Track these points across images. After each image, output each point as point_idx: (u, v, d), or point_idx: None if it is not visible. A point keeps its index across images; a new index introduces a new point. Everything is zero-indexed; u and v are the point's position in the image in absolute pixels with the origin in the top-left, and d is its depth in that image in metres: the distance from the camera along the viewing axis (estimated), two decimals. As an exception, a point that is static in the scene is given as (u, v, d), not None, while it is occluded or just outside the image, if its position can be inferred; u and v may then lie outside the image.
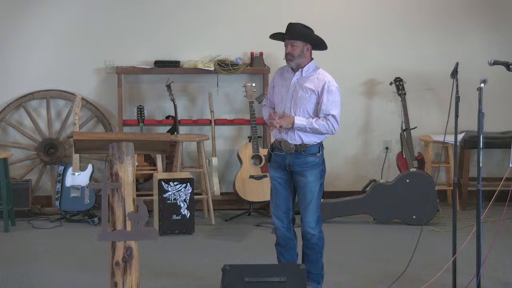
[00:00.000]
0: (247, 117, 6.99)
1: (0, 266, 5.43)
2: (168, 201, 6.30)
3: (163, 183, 6.29)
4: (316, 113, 4.64)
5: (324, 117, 4.62)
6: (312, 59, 4.75)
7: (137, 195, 3.86)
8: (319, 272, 4.86)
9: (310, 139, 4.66)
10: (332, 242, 6.19)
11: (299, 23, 4.75)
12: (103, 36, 7.11)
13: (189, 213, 6.33)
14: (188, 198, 6.33)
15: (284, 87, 4.74)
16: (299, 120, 4.60)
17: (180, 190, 6.32)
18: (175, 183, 6.31)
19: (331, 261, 5.57)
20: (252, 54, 7.18)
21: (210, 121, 7.08)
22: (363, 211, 6.75)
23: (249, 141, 6.94)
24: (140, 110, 6.96)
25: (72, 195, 6.69)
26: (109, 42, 7.13)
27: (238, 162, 6.95)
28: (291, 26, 4.72)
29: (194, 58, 7.14)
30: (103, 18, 7.12)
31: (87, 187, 6.67)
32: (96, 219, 6.64)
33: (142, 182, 7.08)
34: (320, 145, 4.72)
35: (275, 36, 4.80)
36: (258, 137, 6.92)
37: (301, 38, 4.68)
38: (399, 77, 7.21)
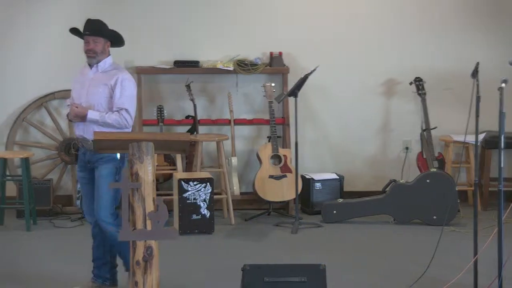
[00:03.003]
0: (267, 117, 6.99)
1: (22, 264, 5.48)
2: (188, 201, 6.31)
3: (183, 182, 6.30)
4: (111, 108, 4.63)
5: (117, 111, 4.61)
6: (109, 55, 4.75)
7: (157, 195, 3.86)
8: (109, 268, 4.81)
9: None
10: (353, 242, 6.19)
11: (98, 19, 4.75)
12: (123, 35, 7.12)
13: (208, 213, 6.35)
14: (208, 197, 6.34)
15: (80, 83, 4.73)
16: (92, 114, 4.57)
17: (200, 189, 6.33)
18: (195, 182, 6.33)
19: (351, 261, 5.56)
20: (271, 54, 7.18)
21: (230, 121, 7.09)
22: (383, 212, 6.72)
23: (269, 141, 6.94)
24: (160, 110, 6.99)
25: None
26: (128, 42, 7.10)
27: (257, 162, 6.95)
28: (91, 23, 4.72)
29: (213, 58, 7.15)
30: (123, 18, 7.14)
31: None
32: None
33: (162, 182, 7.11)
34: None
35: (75, 32, 4.78)
36: (278, 137, 6.92)
37: (102, 34, 4.69)
38: (419, 77, 7.17)
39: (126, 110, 4.61)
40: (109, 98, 4.63)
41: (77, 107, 4.59)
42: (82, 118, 4.59)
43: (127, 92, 4.65)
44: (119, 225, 4.57)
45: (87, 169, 4.69)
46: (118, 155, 4.59)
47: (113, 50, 7.05)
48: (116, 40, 4.79)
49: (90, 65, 4.72)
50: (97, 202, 4.62)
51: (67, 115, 4.76)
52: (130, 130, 4.70)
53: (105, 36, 4.70)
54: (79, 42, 7.12)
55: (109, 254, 4.80)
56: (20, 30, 7.07)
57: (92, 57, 4.67)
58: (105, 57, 4.71)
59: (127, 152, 3.75)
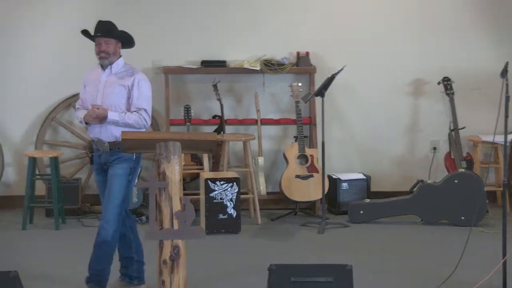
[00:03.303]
0: (293, 117, 6.99)
1: (51, 263, 5.53)
2: (214, 201, 6.33)
3: (209, 182, 6.32)
4: (128, 109, 4.61)
5: (136, 111, 4.59)
6: (120, 56, 4.74)
7: (184, 194, 3.88)
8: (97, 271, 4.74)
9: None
10: (380, 242, 6.17)
11: (109, 21, 4.73)
12: (151, 36, 7.18)
13: (235, 213, 6.36)
14: (235, 197, 6.36)
15: (93, 85, 4.71)
16: (112, 115, 4.56)
17: (227, 189, 6.35)
18: (222, 182, 6.35)
19: (378, 262, 5.54)
20: (298, 53, 7.17)
21: (256, 120, 7.09)
22: (410, 212, 6.69)
23: (295, 141, 6.93)
24: (187, 109, 7.02)
25: (120, 193, 6.77)
26: (156, 43, 7.20)
27: (284, 161, 6.95)
28: (103, 24, 4.70)
29: (240, 58, 7.17)
30: (150, 19, 7.19)
31: (135, 186, 6.73)
32: (144, 217, 6.72)
33: (189, 182, 7.13)
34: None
35: (85, 33, 4.77)
36: (305, 136, 6.91)
37: (114, 36, 4.67)
38: (447, 77, 7.12)
39: (145, 110, 4.62)
40: (127, 99, 4.63)
41: (98, 108, 4.59)
42: (102, 119, 4.58)
43: (144, 92, 4.65)
44: (116, 231, 4.58)
45: (103, 171, 4.68)
46: (134, 156, 4.59)
47: (141, 51, 7.14)
48: (127, 41, 4.78)
49: (103, 67, 4.71)
50: (107, 199, 4.60)
51: (84, 117, 4.70)
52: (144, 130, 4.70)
53: (116, 37, 4.70)
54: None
55: (134, 252, 4.82)
56: (48, 31, 7.14)
57: (105, 58, 4.67)
58: (117, 58, 4.71)
59: (154, 151, 3.77)
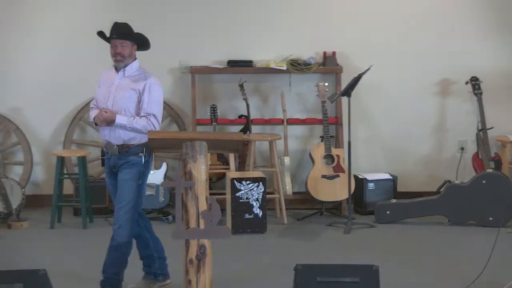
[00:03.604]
0: (320, 116, 6.98)
1: (79, 261, 5.58)
2: (240, 200, 6.34)
3: (235, 182, 6.34)
4: (138, 113, 4.57)
5: (145, 116, 4.55)
6: (135, 58, 4.69)
7: (210, 194, 3.89)
8: (110, 275, 4.73)
9: (130, 138, 4.57)
10: (406, 243, 6.14)
11: (125, 23, 4.68)
12: (178, 36, 7.22)
13: (261, 212, 6.36)
14: (261, 197, 6.36)
15: (106, 86, 4.69)
16: (120, 119, 4.52)
17: (253, 189, 6.36)
18: (248, 182, 6.36)
19: (405, 262, 5.51)
20: (324, 53, 7.16)
21: (283, 120, 7.09)
22: (438, 212, 6.64)
23: (321, 141, 6.92)
24: (213, 109, 7.04)
25: (147, 193, 6.80)
26: (183, 42, 7.23)
27: (310, 161, 6.94)
28: (118, 26, 4.65)
29: (266, 58, 7.17)
30: (177, 19, 7.22)
31: (161, 185, 6.77)
32: (170, 217, 6.74)
33: (215, 181, 7.15)
34: (144, 146, 4.56)
35: (102, 35, 4.73)
36: (331, 136, 6.90)
37: (130, 38, 4.62)
38: (475, 76, 7.07)
39: (154, 115, 4.59)
40: (137, 103, 4.60)
41: (106, 111, 4.58)
42: (110, 122, 4.56)
43: (155, 97, 4.62)
44: (130, 235, 4.59)
45: (113, 174, 4.67)
46: (143, 160, 4.60)
47: (168, 51, 7.19)
48: (142, 43, 4.74)
49: (117, 69, 4.69)
50: (117, 204, 4.61)
51: (94, 118, 4.73)
52: None
53: (132, 39, 4.66)
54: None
55: (154, 250, 4.83)
56: (75, 31, 7.19)
57: (120, 61, 4.64)
58: (132, 61, 4.68)
59: (180, 151, 3.78)
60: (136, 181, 4.58)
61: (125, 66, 4.66)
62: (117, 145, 4.59)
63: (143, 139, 4.52)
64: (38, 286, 3.87)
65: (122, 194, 4.58)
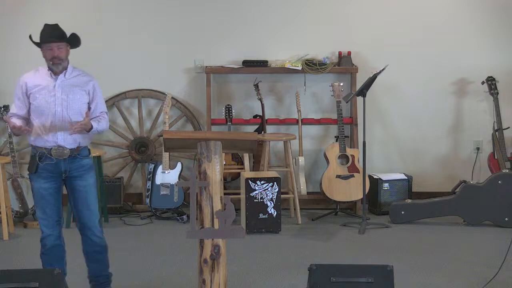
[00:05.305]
0: (334, 116, 6.97)
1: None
2: (255, 200, 6.35)
3: (250, 182, 6.34)
4: (86, 114, 4.46)
5: (102, 116, 4.55)
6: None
7: (225, 194, 3.90)
8: (107, 273, 4.75)
9: (85, 141, 4.53)
10: (421, 243, 6.11)
11: (56, 24, 4.49)
12: (193, 36, 7.23)
13: (275, 212, 6.37)
14: (275, 197, 6.36)
15: (46, 91, 4.45)
16: (94, 125, 4.44)
17: (267, 189, 6.36)
18: (262, 182, 6.36)
19: (419, 263, 5.49)
20: (340, 53, 7.15)
21: (297, 120, 7.09)
22: (453, 213, 6.62)
23: (336, 141, 6.91)
24: (228, 109, 7.05)
25: (161, 193, 6.83)
26: (198, 42, 7.24)
27: (325, 161, 6.93)
28: (52, 28, 4.47)
29: (281, 58, 7.17)
30: (193, 19, 7.24)
31: (176, 185, 6.79)
32: (185, 216, 6.76)
33: (230, 181, 7.16)
34: (88, 147, 4.58)
35: (32, 39, 4.52)
36: (346, 136, 6.89)
37: (66, 39, 4.48)
38: (491, 76, 7.03)
39: (107, 113, 4.64)
40: (87, 104, 4.54)
41: (84, 122, 4.40)
42: (87, 130, 4.45)
43: (101, 95, 4.63)
44: (103, 235, 4.68)
45: (57, 179, 4.50)
46: (92, 160, 4.60)
47: (183, 50, 7.20)
48: (74, 42, 4.56)
49: (54, 72, 4.49)
50: (87, 210, 4.56)
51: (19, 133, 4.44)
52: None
53: (67, 40, 4.51)
54: (149, 43, 7.26)
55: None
56: (91, 31, 7.22)
57: (58, 64, 4.47)
58: (68, 63, 4.54)
59: (195, 151, 3.79)
60: (96, 183, 4.64)
61: (63, 68, 4.51)
62: (70, 149, 4.47)
63: (91, 140, 4.63)
64: (53, 285, 3.88)
65: (91, 198, 4.56)
